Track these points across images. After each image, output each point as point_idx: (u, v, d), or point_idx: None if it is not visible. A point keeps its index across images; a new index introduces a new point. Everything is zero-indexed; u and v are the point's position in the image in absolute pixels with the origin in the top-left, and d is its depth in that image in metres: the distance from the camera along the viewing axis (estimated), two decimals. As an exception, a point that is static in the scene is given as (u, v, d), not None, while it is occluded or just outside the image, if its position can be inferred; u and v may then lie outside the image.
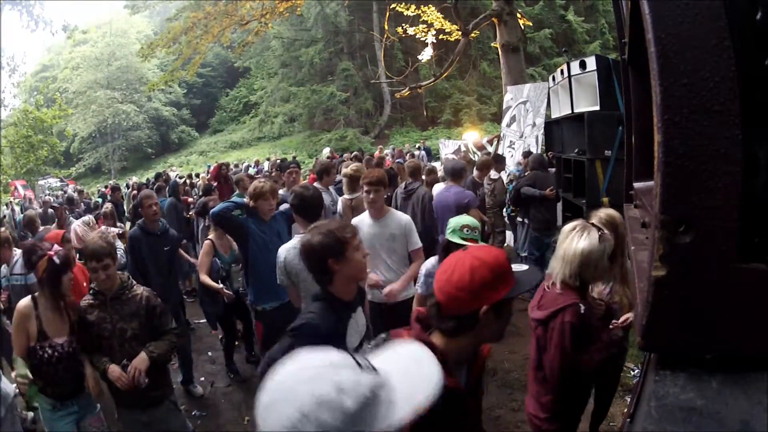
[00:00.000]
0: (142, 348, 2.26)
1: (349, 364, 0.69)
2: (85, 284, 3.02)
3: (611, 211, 2.33)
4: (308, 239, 1.71)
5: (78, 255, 3.40)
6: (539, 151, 6.94)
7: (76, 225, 4.06)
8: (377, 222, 2.96)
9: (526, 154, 6.19)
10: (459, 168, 4.21)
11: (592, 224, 1.89)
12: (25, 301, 2.31)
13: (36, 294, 2.32)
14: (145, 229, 3.51)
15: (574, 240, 1.82)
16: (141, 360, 2.21)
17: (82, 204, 9.77)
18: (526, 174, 5.38)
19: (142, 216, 3.57)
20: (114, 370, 2.20)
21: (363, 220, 3.01)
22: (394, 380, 0.72)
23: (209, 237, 3.68)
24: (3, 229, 4.60)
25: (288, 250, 2.43)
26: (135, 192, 9.81)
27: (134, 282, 2.40)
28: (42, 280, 2.29)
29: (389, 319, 2.78)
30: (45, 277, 2.27)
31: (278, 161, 13.28)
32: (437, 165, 6.76)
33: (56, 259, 2.27)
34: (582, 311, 1.76)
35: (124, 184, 17.06)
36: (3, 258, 3.50)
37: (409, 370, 0.78)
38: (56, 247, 2.96)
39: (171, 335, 2.38)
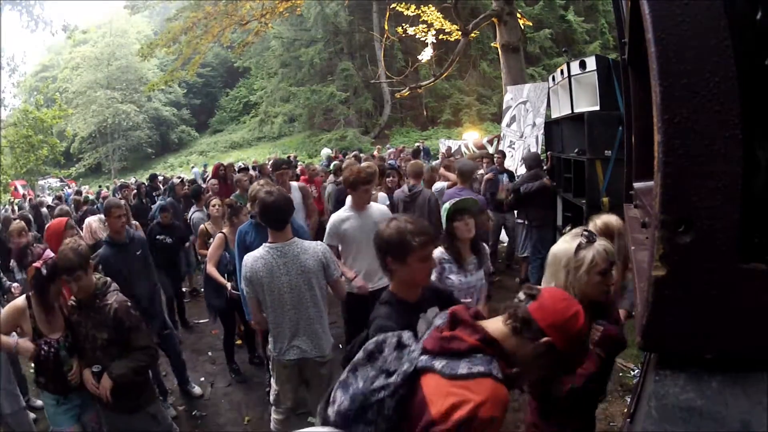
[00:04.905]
0: (112, 357, 2.25)
1: None
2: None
3: (608, 218, 2.08)
4: (382, 229, 1.67)
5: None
6: (539, 152, 6.94)
7: (92, 220, 4.04)
8: (360, 214, 3.10)
9: (501, 154, 6.23)
10: (469, 169, 4.16)
11: (589, 232, 1.69)
12: (20, 299, 2.33)
13: (30, 293, 2.32)
14: (113, 243, 3.25)
15: (557, 243, 1.70)
16: (105, 380, 2.22)
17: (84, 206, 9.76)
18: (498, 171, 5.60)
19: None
20: (85, 374, 2.26)
21: (343, 214, 3.13)
22: None
23: (222, 231, 3.72)
24: (18, 220, 4.67)
25: (255, 258, 2.33)
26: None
27: (110, 289, 2.33)
28: (31, 285, 2.31)
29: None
30: (33, 284, 2.29)
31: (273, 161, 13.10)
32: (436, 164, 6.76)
33: (43, 270, 2.25)
34: None
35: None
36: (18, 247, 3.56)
37: None
38: (47, 253, 2.96)
39: (138, 354, 2.28)
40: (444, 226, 2.56)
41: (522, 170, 5.96)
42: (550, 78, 6.44)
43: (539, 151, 6.91)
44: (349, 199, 3.21)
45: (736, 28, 0.74)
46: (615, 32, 5.90)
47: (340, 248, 3.16)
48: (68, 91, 28.47)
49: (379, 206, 3.26)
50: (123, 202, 3.91)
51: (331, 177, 6.12)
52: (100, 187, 19.70)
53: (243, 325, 4.07)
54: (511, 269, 6.02)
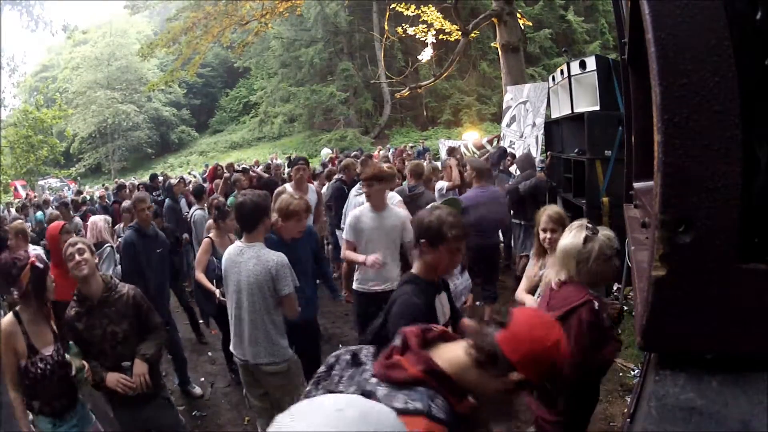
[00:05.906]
0: (134, 348, 2.26)
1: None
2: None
3: (554, 207, 2.45)
4: (424, 215, 1.82)
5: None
6: (539, 152, 6.94)
7: (97, 219, 4.01)
8: (378, 215, 3.11)
9: (512, 156, 6.27)
10: (485, 166, 4.31)
11: (589, 224, 1.87)
12: (8, 319, 2.15)
13: (18, 308, 2.17)
14: (140, 231, 3.51)
15: (563, 237, 1.89)
16: (140, 366, 2.24)
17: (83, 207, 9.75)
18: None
19: (135, 218, 3.59)
20: (112, 378, 2.19)
21: (364, 213, 3.15)
22: None
23: (209, 235, 3.67)
24: (19, 221, 4.64)
25: (227, 252, 2.53)
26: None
27: (117, 281, 2.36)
28: (27, 292, 2.12)
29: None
30: (31, 286, 2.12)
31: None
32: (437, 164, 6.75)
33: (39, 264, 2.16)
34: (596, 308, 1.74)
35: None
36: (17, 249, 3.53)
37: None
38: (32, 252, 2.95)
39: (159, 332, 2.43)
40: None
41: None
42: (550, 78, 6.44)
43: (539, 151, 6.90)
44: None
45: (736, 28, 0.74)
46: (615, 32, 5.90)
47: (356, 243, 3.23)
48: (68, 91, 28.46)
49: (397, 211, 3.22)
50: (148, 195, 4.09)
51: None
52: (103, 186, 19.73)
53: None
54: (510, 269, 6.02)
